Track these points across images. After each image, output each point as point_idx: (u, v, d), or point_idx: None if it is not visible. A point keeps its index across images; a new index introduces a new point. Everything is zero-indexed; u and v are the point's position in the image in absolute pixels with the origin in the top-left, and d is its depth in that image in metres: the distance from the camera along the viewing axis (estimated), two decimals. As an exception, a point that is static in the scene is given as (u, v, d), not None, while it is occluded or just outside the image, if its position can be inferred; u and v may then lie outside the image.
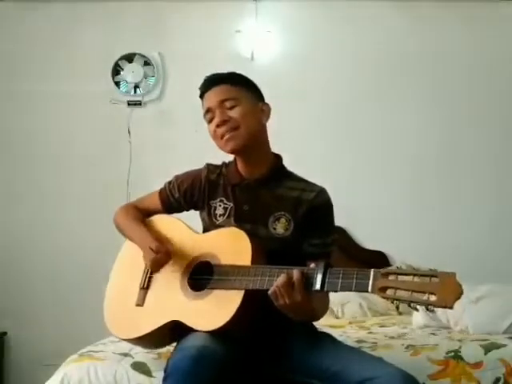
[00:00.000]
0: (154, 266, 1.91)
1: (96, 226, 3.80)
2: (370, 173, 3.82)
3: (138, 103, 3.92)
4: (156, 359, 2.07)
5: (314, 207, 1.90)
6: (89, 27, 3.93)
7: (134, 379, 1.97)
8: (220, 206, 1.96)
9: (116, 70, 3.92)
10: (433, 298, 1.48)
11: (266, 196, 1.93)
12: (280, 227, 1.89)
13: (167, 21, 3.92)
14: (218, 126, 1.91)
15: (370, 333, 2.69)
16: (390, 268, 1.60)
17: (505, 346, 2.24)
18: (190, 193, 2.01)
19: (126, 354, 2.10)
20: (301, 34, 3.90)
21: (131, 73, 3.91)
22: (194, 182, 2.01)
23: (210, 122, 1.96)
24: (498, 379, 2.09)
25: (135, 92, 3.94)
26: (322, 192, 1.94)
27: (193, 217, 2.04)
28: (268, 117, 1.99)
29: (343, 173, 3.71)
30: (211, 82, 2.00)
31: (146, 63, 3.92)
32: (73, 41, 3.93)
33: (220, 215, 1.95)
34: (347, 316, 3.25)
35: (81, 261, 3.79)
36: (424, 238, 3.75)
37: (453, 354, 2.14)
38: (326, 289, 1.64)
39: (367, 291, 1.57)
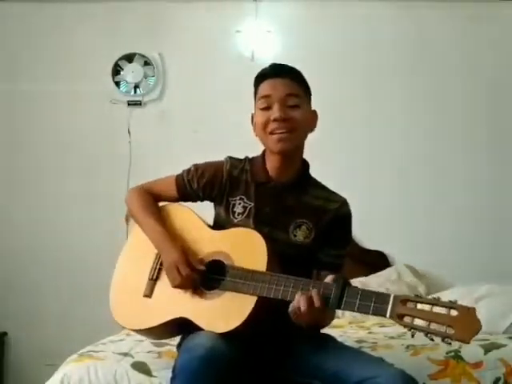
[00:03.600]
0: (176, 287, 1.84)
1: (96, 225, 3.81)
2: (370, 173, 3.81)
3: (137, 103, 3.92)
4: (156, 359, 2.08)
5: (336, 218, 1.89)
6: (89, 27, 3.93)
7: (134, 379, 1.97)
8: (239, 204, 1.91)
9: (116, 70, 3.91)
10: (451, 331, 1.49)
11: (291, 201, 1.90)
12: (300, 234, 1.87)
13: (167, 21, 3.91)
14: (275, 120, 1.85)
15: (370, 333, 2.69)
16: (409, 295, 1.59)
17: (505, 345, 2.24)
18: (209, 186, 1.94)
19: (125, 354, 2.11)
20: (301, 34, 3.90)
21: (131, 73, 3.91)
22: (215, 175, 1.94)
23: (263, 109, 1.88)
24: (497, 379, 2.09)
25: (135, 92, 3.93)
26: (345, 204, 1.93)
27: (203, 206, 2.02)
28: (315, 126, 1.96)
29: (343, 173, 3.70)
30: (281, 70, 1.92)
31: (146, 63, 3.92)
32: (73, 41, 3.93)
33: (239, 213, 1.90)
34: (347, 316, 3.25)
35: (81, 260, 3.80)
36: (424, 238, 3.75)
37: (453, 353, 2.14)
38: (342, 308, 1.64)
39: (385, 316, 1.57)
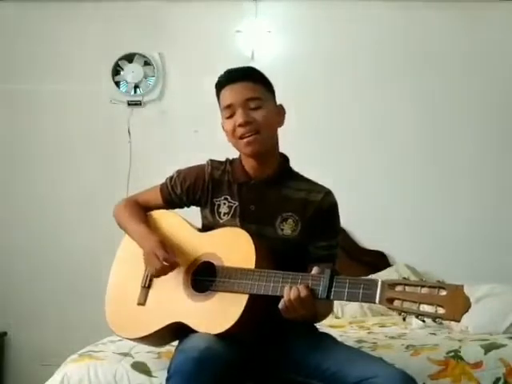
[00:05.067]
0: (157, 275, 1.85)
1: (96, 226, 3.80)
2: (370, 172, 3.81)
3: (138, 103, 3.92)
4: (156, 359, 2.08)
5: (321, 209, 1.89)
6: (89, 27, 3.93)
7: (134, 379, 1.97)
8: (224, 204, 1.93)
9: (116, 70, 3.91)
10: (441, 310, 1.49)
11: (274, 196, 1.91)
12: (287, 228, 1.88)
13: (167, 21, 3.91)
14: (240, 125, 1.86)
15: (370, 333, 2.69)
16: (397, 279, 1.59)
17: (505, 345, 2.24)
18: (192, 190, 1.97)
19: (126, 354, 2.11)
20: (301, 34, 3.90)
21: (131, 73, 3.91)
22: (196, 179, 1.97)
23: (228, 117, 1.90)
24: (498, 379, 2.09)
25: (135, 92, 3.93)
26: (328, 193, 1.93)
27: (190, 211, 2.03)
28: (284, 120, 1.97)
29: (343, 172, 3.70)
30: (235, 75, 1.92)
31: (146, 63, 3.92)
32: (73, 41, 3.93)
33: (224, 214, 1.92)
34: (347, 316, 3.26)
35: (81, 261, 3.79)
36: (424, 238, 3.75)
37: (453, 353, 2.14)
38: (331, 298, 1.64)
39: (374, 302, 1.57)
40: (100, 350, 2.17)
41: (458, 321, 1.50)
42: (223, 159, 2.02)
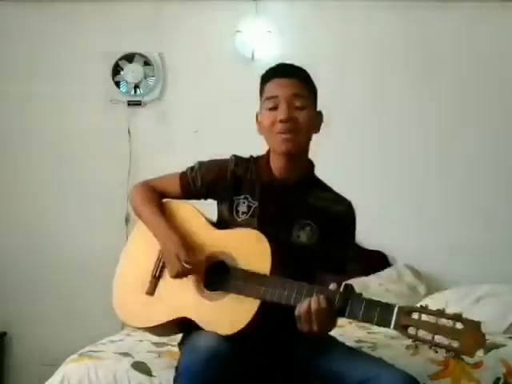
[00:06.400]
0: (176, 276, 1.82)
1: (96, 226, 3.81)
2: (370, 172, 3.81)
3: (138, 103, 3.92)
4: (156, 359, 2.08)
5: (340, 220, 1.89)
6: (89, 27, 3.93)
7: (134, 379, 1.97)
8: (244, 203, 1.90)
9: (116, 70, 3.91)
10: (455, 344, 1.49)
11: (295, 201, 1.89)
12: (304, 235, 1.86)
13: (167, 21, 3.91)
14: (281, 121, 1.83)
15: (370, 333, 2.69)
16: (414, 306, 1.59)
17: (505, 346, 2.25)
18: (213, 184, 1.93)
19: (126, 354, 2.11)
20: (301, 34, 3.89)
21: (131, 73, 3.91)
22: (219, 173, 1.93)
23: (270, 109, 1.86)
24: (498, 379, 2.09)
25: (135, 92, 3.93)
26: (349, 206, 1.92)
27: (206, 202, 2.01)
28: (320, 126, 1.94)
29: (343, 172, 3.70)
30: (286, 70, 1.91)
31: (146, 63, 3.92)
32: (73, 41, 3.93)
33: (243, 213, 1.89)
34: (347, 316, 3.25)
35: (81, 261, 3.79)
36: (424, 237, 3.74)
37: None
38: (346, 316, 1.63)
39: (389, 327, 1.56)
40: (100, 350, 2.17)
41: (472, 356, 1.50)
42: (247, 156, 1.98)
